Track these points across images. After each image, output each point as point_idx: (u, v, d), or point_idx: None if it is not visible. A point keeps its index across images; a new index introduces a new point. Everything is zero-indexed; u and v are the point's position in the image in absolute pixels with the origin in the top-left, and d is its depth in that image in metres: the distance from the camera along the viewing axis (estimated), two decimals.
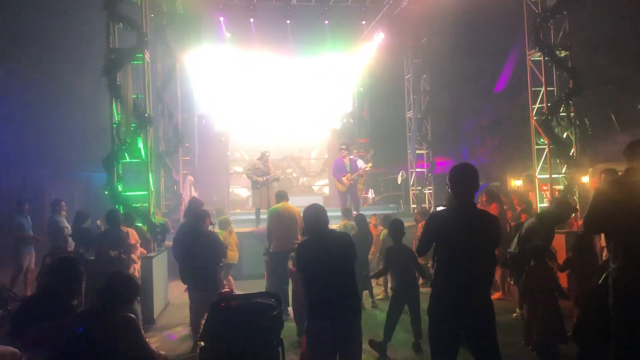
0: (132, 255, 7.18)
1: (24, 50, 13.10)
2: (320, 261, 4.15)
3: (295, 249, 7.04)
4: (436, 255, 4.33)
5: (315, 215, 4.38)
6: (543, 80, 10.21)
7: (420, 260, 7.02)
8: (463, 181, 4.13)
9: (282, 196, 8.45)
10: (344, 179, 12.51)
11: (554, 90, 10.27)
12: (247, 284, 9.26)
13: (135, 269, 7.28)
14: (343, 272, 4.20)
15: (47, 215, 9.27)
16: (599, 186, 5.01)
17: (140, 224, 8.46)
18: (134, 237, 7.36)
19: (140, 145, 9.18)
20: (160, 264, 8.98)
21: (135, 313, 4.29)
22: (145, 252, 7.81)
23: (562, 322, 5.63)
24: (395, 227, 6.89)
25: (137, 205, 8.95)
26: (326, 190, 17.90)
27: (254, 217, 12.66)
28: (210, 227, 7.17)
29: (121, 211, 8.15)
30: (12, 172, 12.44)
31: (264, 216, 11.15)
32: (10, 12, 13.01)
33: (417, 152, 15.93)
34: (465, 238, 4.02)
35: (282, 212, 8.07)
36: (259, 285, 7.69)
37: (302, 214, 4.59)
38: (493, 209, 8.39)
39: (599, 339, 4.40)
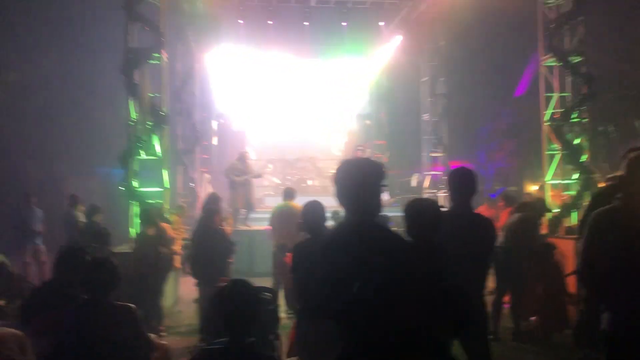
0: (174, 248, 7.38)
1: (45, 49, 13.46)
2: (314, 262, 4.19)
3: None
4: None
5: (314, 212, 4.44)
6: (556, 86, 10.18)
7: None
8: (460, 184, 4.21)
9: (287, 194, 8.57)
10: None
11: (567, 96, 10.23)
12: (258, 281, 9.37)
13: (177, 260, 7.47)
14: None
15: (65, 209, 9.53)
16: (597, 191, 5.05)
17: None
18: (170, 231, 7.58)
19: (156, 143, 9.41)
20: None
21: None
22: (183, 243, 7.96)
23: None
24: None
25: (152, 201, 9.18)
26: None
27: (265, 215, 12.78)
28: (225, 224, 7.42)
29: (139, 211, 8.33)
30: (33, 167, 12.79)
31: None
32: (32, 12, 13.39)
33: (433, 155, 15.93)
34: (461, 241, 4.09)
35: (283, 211, 8.19)
36: (269, 283, 7.82)
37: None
38: (507, 214, 8.43)
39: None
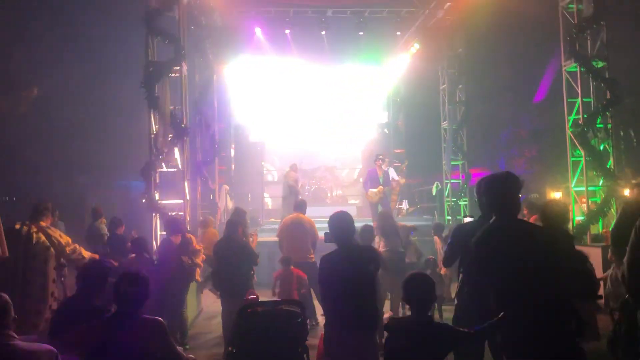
0: (197, 260, 7.38)
1: (67, 64, 13.67)
2: (342, 274, 4.14)
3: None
4: (462, 266, 4.34)
5: (343, 223, 4.34)
6: (579, 91, 10.06)
7: None
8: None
9: (298, 206, 8.50)
10: (374, 190, 12.47)
11: (590, 101, 10.09)
12: None
13: (198, 273, 7.47)
14: (363, 286, 4.18)
15: (88, 222, 9.60)
16: (628, 199, 4.94)
17: None
18: (195, 243, 7.59)
19: (177, 155, 9.45)
20: None
21: None
22: (205, 257, 7.97)
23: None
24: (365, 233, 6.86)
25: (173, 213, 9.21)
26: (358, 200, 17.92)
27: None
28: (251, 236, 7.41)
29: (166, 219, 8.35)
30: (55, 180, 12.94)
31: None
32: (56, 28, 13.62)
33: (453, 163, 15.81)
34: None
35: (293, 224, 8.13)
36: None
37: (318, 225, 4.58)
38: (533, 222, 8.29)
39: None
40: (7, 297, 3.14)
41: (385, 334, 3.48)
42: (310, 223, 8.10)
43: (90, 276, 4.33)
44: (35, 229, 5.94)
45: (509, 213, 3.41)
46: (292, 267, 7.51)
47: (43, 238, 5.93)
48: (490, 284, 3.37)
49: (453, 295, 9.20)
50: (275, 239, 8.47)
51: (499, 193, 3.46)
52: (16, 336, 3.09)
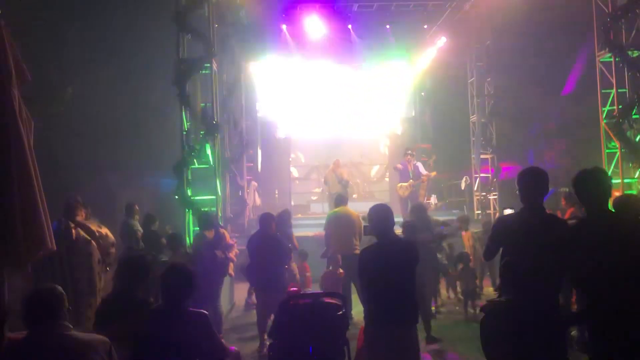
0: (230, 254, 7.46)
1: (99, 64, 13.86)
2: (383, 268, 4.15)
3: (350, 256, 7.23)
4: (503, 259, 4.29)
5: (384, 216, 4.33)
6: (614, 81, 9.86)
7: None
8: (531, 184, 4.04)
9: (340, 200, 8.54)
10: (405, 184, 12.44)
11: (625, 92, 9.89)
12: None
13: (231, 267, 7.56)
14: (404, 280, 4.19)
15: (120, 219, 9.75)
16: None
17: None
18: (228, 237, 7.68)
19: (209, 151, 9.54)
20: None
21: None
22: (238, 251, 8.07)
23: None
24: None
25: (206, 209, 9.30)
26: (386, 195, 17.84)
27: (315, 222, 12.82)
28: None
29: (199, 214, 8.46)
30: (86, 179, 13.12)
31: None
32: (86, 27, 13.82)
33: (482, 156, 15.64)
34: (536, 243, 3.93)
35: (340, 216, 8.15)
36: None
37: (361, 217, 4.60)
38: (569, 213, 8.22)
39: None
40: (60, 288, 3.21)
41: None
42: (357, 216, 8.12)
43: (133, 269, 4.40)
44: (72, 225, 6.05)
45: (602, 206, 3.53)
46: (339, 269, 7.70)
47: (82, 233, 6.03)
48: (580, 277, 3.50)
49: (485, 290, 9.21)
50: (308, 234, 8.52)
51: (592, 187, 3.56)
52: (71, 326, 3.15)
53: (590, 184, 3.56)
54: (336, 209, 8.42)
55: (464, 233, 9.50)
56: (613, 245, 3.33)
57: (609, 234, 3.37)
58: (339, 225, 8.05)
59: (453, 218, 12.20)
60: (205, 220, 7.62)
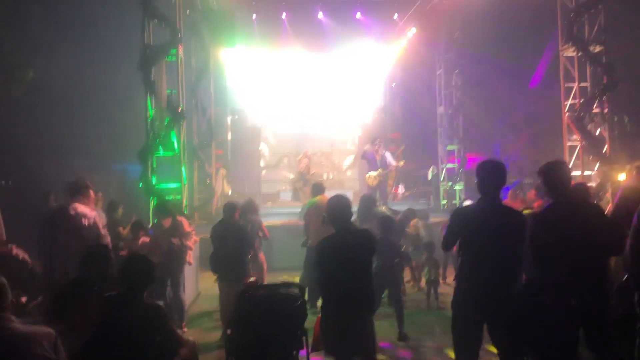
0: (188, 242, 7.39)
1: (62, 47, 13.51)
2: (341, 258, 4.21)
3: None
4: (461, 250, 4.38)
5: (341, 206, 4.39)
6: (576, 76, 10.07)
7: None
8: (491, 177, 4.16)
9: (318, 189, 8.55)
10: (374, 174, 12.50)
11: (587, 86, 10.11)
12: (275, 276, 9.38)
13: (190, 255, 7.49)
14: (361, 270, 4.27)
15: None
16: (627, 183, 4.99)
17: None
18: (187, 225, 7.60)
19: (174, 139, 9.43)
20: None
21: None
22: (197, 239, 7.98)
23: None
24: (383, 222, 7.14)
25: (170, 197, 9.21)
26: (356, 184, 17.92)
27: (285, 210, 12.85)
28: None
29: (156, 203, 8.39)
30: (51, 164, 12.86)
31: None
32: (49, 10, 13.46)
33: (448, 147, 15.84)
34: (490, 234, 4.06)
35: (319, 206, 8.15)
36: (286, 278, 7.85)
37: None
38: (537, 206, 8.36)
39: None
40: (4, 279, 3.14)
41: None
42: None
43: (93, 259, 4.36)
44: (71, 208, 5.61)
45: (566, 193, 4.06)
46: None
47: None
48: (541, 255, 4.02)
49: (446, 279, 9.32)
50: (278, 222, 8.49)
51: (556, 177, 4.10)
52: (14, 319, 3.09)
53: (555, 175, 4.08)
54: (315, 198, 8.41)
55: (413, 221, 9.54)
56: (576, 226, 3.87)
57: (573, 217, 3.90)
58: (319, 215, 8.05)
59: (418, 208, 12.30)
60: (161, 209, 7.55)
